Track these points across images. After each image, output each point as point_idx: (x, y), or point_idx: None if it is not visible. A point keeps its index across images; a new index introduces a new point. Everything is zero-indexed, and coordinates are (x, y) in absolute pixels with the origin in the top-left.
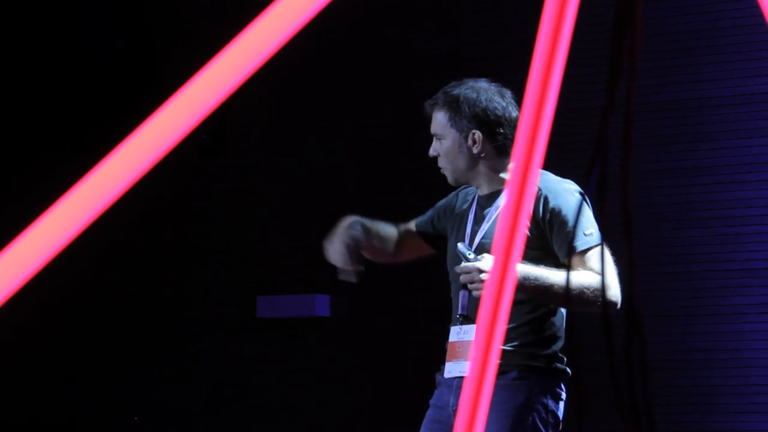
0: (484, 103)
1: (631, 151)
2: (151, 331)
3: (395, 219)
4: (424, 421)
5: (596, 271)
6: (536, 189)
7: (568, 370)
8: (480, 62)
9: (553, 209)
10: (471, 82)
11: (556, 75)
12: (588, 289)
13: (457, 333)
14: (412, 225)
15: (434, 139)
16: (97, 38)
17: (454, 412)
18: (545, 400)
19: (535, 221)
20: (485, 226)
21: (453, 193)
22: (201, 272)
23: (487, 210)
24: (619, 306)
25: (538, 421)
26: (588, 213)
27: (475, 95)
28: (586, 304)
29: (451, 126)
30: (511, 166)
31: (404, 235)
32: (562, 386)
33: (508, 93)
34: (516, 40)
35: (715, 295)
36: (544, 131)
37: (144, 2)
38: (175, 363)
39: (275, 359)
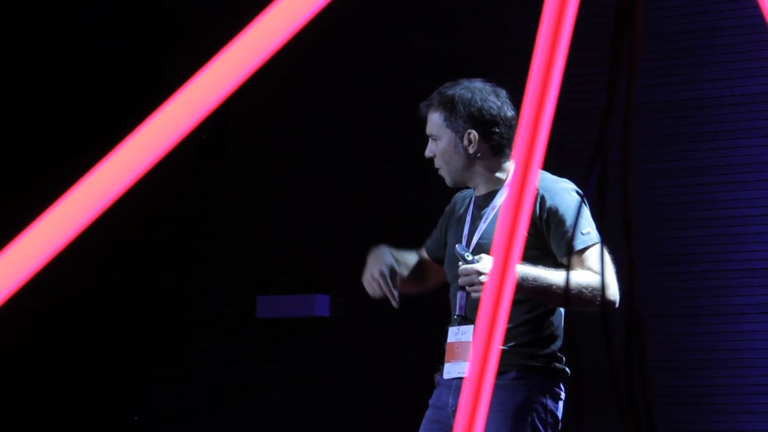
0: (480, 103)
1: (630, 151)
2: (151, 331)
3: (395, 219)
4: (424, 421)
5: (594, 270)
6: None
7: (567, 369)
8: (480, 62)
9: (550, 208)
10: (466, 83)
11: (555, 75)
12: (586, 288)
13: (455, 334)
14: (423, 251)
15: (430, 140)
16: (97, 38)
17: (453, 412)
18: (544, 400)
19: (533, 221)
20: (482, 226)
21: (451, 201)
22: (201, 272)
23: (484, 210)
24: (617, 305)
25: (537, 421)
26: (585, 212)
27: (470, 95)
28: (584, 304)
29: (447, 126)
30: (507, 165)
31: (423, 263)
32: (561, 386)
33: (503, 92)
34: (516, 40)
35: (715, 295)
36: (544, 131)
37: (144, 2)
38: (175, 363)
39: (275, 359)
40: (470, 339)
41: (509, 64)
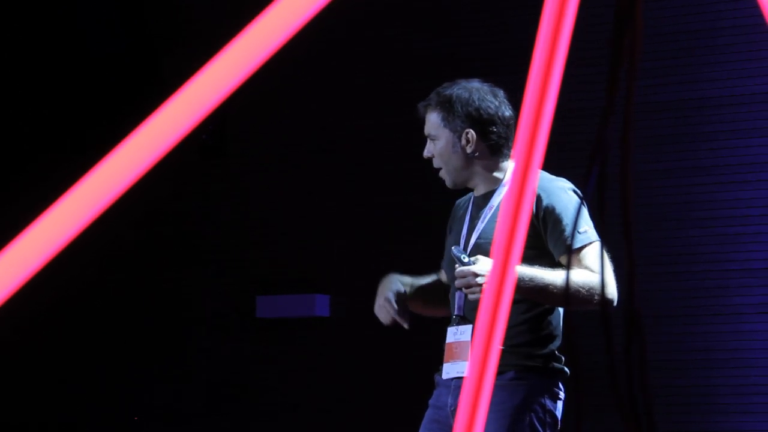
0: (477, 102)
1: (630, 151)
2: (151, 331)
3: (395, 219)
4: (423, 421)
5: (591, 269)
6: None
7: (566, 369)
8: (480, 62)
9: (546, 207)
10: (463, 83)
11: (555, 74)
12: (583, 287)
13: (454, 334)
14: (442, 273)
15: (428, 140)
16: (97, 38)
17: (453, 412)
18: (543, 400)
19: (530, 220)
20: (480, 226)
21: (452, 210)
22: (201, 272)
23: (482, 210)
24: (615, 304)
25: (535, 421)
26: (582, 211)
27: (467, 95)
28: (581, 303)
29: (445, 126)
30: (505, 165)
31: (440, 284)
32: (560, 386)
33: (500, 92)
34: (516, 40)
35: (715, 295)
36: (544, 131)
37: (144, 2)
38: (175, 363)
39: (275, 359)
40: (469, 339)
41: (509, 64)
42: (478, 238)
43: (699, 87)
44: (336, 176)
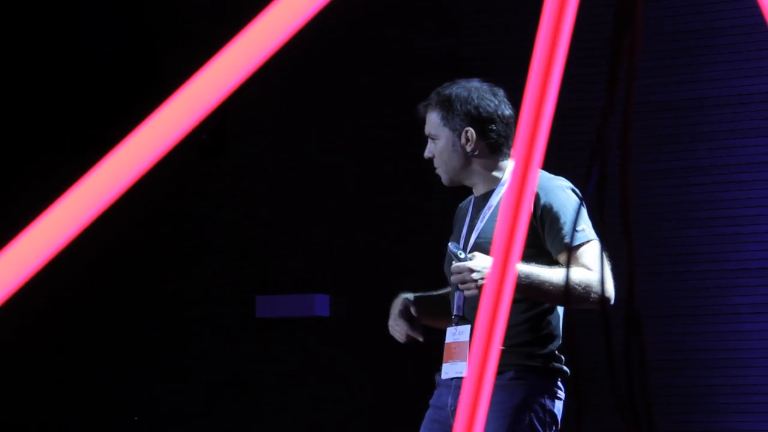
0: (476, 101)
1: (630, 150)
2: (151, 330)
3: (395, 219)
4: (424, 421)
5: (588, 267)
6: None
7: (566, 369)
8: (480, 62)
9: (544, 206)
10: (463, 82)
11: (555, 74)
12: (579, 285)
13: (453, 334)
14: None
15: (429, 140)
16: (97, 38)
17: (453, 412)
18: (543, 400)
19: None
20: (479, 226)
21: (456, 212)
22: (200, 272)
23: (481, 210)
24: (612, 302)
25: (535, 421)
26: (580, 209)
27: (466, 94)
28: (578, 301)
29: (444, 125)
30: (504, 164)
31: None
32: (560, 386)
33: (500, 92)
34: (516, 40)
35: (715, 295)
36: (543, 131)
37: (144, 2)
38: (175, 363)
39: (275, 359)
40: (467, 339)
41: (509, 64)
42: (478, 237)
43: (698, 87)
44: (336, 176)
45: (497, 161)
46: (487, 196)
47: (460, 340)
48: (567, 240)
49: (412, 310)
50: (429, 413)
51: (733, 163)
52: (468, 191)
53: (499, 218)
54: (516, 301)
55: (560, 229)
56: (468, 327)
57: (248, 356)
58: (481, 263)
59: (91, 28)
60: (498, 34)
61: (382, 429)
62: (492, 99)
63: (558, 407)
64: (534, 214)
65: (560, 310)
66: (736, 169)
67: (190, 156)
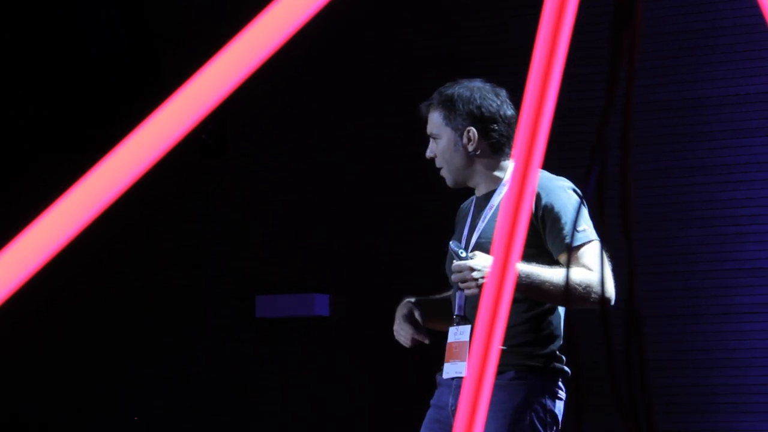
0: (479, 101)
1: (630, 150)
2: (151, 331)
3: (395, 219)
4: (425, 421)
5: (588, 267)
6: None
7: (567, 369)
8: (480, 62)
9: (545, 206)
10: (465, 82)
11: (555, 74)
12: (580, 285)
13: (454, 334)
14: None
15: (431, 140)
16: (97, 38)
17: (453, 412)
18: (543, 400)
19: (529, 219)
20: (481, 225)
21: (458, 212)
22: (200, 272)
23: (483, 210)
24: (613, 303)
25: (536, 421)
26: (582, 210)
27: (469, 93)
28: (578, 301)
29: (446, 125)
30: (506, 164)
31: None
32: (561, 386)
33: (502, 92)
34: (516, 40)
35: (715, 295)
36: (543, 130)
37: (144, 2)
38: (175, 363)
39: (275, 359)
40: (468, 339)
41: (509, 64)
42: (479, 237)
43: (699, 86)
44: (336, 176)
45: (499, 161)
46: (488, 196)
47: (461, 339)
48: (568, 240)
49: (416, 314)
50: (430, 413)
51: (734, 162)
52: (469, 191)
53: (499, 218)
54: (517, 301)
55: (561, 229)
56: (469, 327)
57: (248, 356)
58: (481, 262)
59: (91, 28)
60: (498, 34)
61: (383, 429)
62: (494, 99)
63: (559, 407)
64: (535, 214)
65: (561, 310)
66: (736, 169)
67: (190, 156)
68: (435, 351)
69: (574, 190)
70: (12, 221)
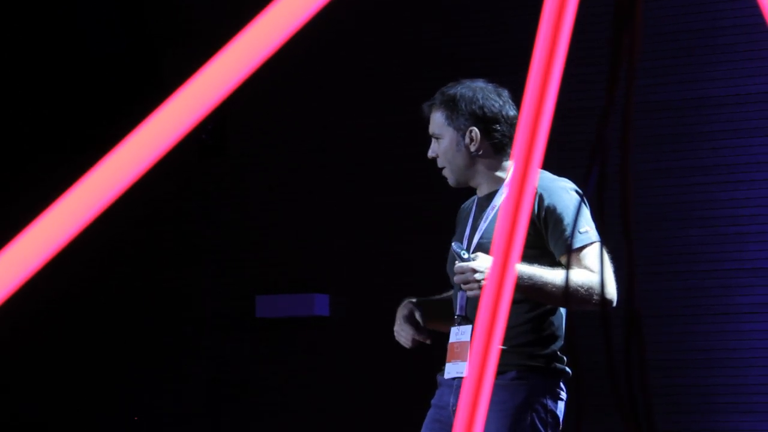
0: (481, 101)
1: (630, 150)
2: (151, 330)
3: (395, 219)
4: (425, 421)
5: (591, 269)
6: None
7: (568, 370)
8: (480, 62)
9: (548, 207)
10: (468, 82)
11: (555, 74)
12: (582, 287)
13: (456, 334)
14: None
15: (432, 140)
16: (97, 38)
17: (455, 411)
18: (544, 400)
19: (531, 219)
20: (483, 226)
21: (459, 212)
22: (200, 272)
23: (485, 210)
24: (615, 304)
25: (537, 421)
26: (584, 211)
27: (471, 93)
28: (580, 303)
29: (449, 125)
30: (508, 164)
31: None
32: (562, 386)
33: (505, 92)
34: (516, 40)
35: (715, 295)
36: (543, 130)
37: (144, 2)
38: (175, 363)
39: (274, 359)
40: (470, 339)
41: (509, 64)
42: (481, 237)
43: (699, 86)
44: (336, 176)
45: (501, 161)
46: (490, 197)
47: (463, 340)
48: (570, 242)
49: (417, 315)
50: (431, 413)
51: (734, 162)
52: (470, 191)
53: (499, 218)
54: (519, 302)
55: (563, 230)
56: (470, 327)
57: (248, 356)
58: (484, 263)
59: (91, 28)
60: (498, 34)
61: (383, 429)
62: (497, 99)
63: (560, 408)
64: (537, 216)
65: (563, 310)
66: (736, 169)
67: (190, 156)
68: (435, 351)
69: (577, 191)
70: (12, 221)
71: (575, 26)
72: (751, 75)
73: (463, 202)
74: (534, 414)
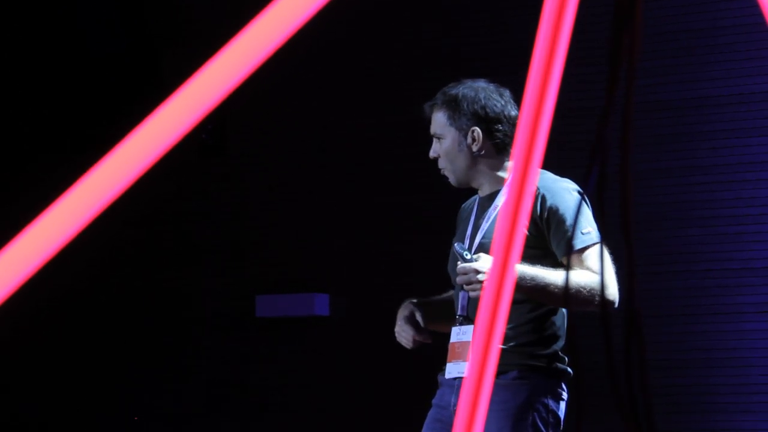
0: (483, 101)
1: (630, 150)
2: (151, 330)
3: (395, 219)
4: (426, 421)
5: (593, 270)
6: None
7: (569, 370)
8: (480, 62)
9: (550, 208)
10: (469, 82)
11: (555, 74)
12: (584, 288)
13: (457, 334)
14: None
15: (434, 140)
16: (97, 38)
17: (455, 411)
18: (546, 400)
19: (533, 220)
20: (485, 226)
21: (459, 212)
22: (200, 271)
23: (486, 210)
24: (617, 305)
25: (538, 421)
26: (586, 212)
27: (473, 93)
28: (583, 303)
29: (451, 125)
30: (510, 164)
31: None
32: (563, 386)
33: (506, 92)
34: (516, 40)
35: (715, 294)
36: (543, 130)
37: (144, 2)
38: (175, 363)
39: (274, 358)
40: (471, 339)
41: (509, 64)
42: (483, 237)
43: (699, 86)
44: (336, 176)
45: (503, 161)
46: (492, 197)
47: (464, 340)
48: (572, 242)
49: (418, 315)
50: (432, 412)
51: (734, 162)
52: (470, 191)
53: (498, 218)
54: (520, 302)
55: (566, 231)
56: (472, 327)
57: (248, 356)
58: (486, 264)
59: (91, 28)
60: (498, 34)
61: (383, 429)
62: (499, 99)
63: (561, 408)
64: (540, 216)
65: (564, 310)
66: (737, 169)
67: (190, 156)
68: (435, 351)
69: (579, 192)
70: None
71: (575, 26)
72: (751, 74)
73: (464, 202)
74: (535, 414)
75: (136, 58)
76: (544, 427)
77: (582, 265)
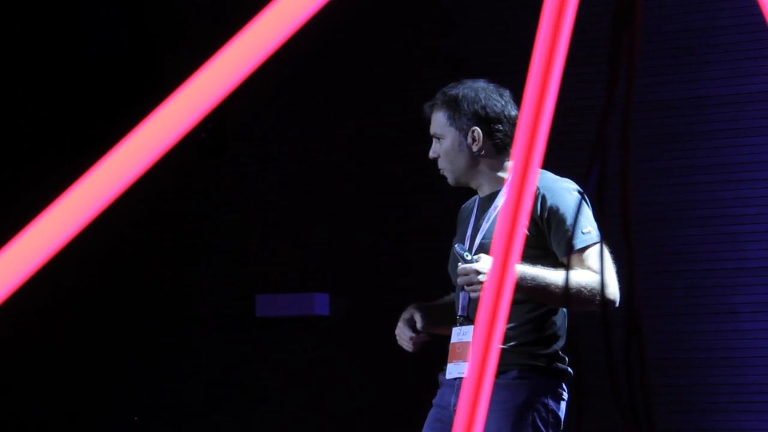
0: (483, 101)
1: (630, 149)
2: (151, 330)
3: (395, 219)
4: (427, 421)
5: (594, 269)
6: (534, 188)
7: (570, 370)
8: (480, 62)
9: (551, 207)
10: (469, 82)
11: (555, 73)
12: (585, 288)
13: (458, 334)
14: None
15: (434, 140)
16: (97, 38)
17: (455, 411)
18: (546, 400)
19: (534, 220)
20: (485, 226)
21: (458, 217)
22: (200, 271)
23: (487, 210)
24: (617, 304)
25: (538, 421)
26: (586, 211)
27: (473, 93)
28: (583, 303)
29: (451, 125)
30: (510, 164)
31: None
32: (564, 386)
33: (506, 92)
34: (516, 39)
35: (715, 294)
36: (543, 130)
37: (144, 2)
38: (175, 362)
39: (274, 358)
40: (471, 339)
41: (509, 63)
42: (483, 238)
43: (699, 86)
44: (336, 176)
45: (503, 161)
46: (492, 197)
47: (464, 340)
48: (572, 242)
49: (417, 317)
50: (432, 412)
51: (734, 162)
52: (470, 191)
53: (498, 218)
54: (521, 302)
55: (566, 231)
56: (472, 327)
57: (248, 356)
58: (487, 265)
59: (91, 28)
60: (498, 34)
61: (383, 429)
62: (499, 99)
63: (561, 408)
64: (540, 216)
65: (565, 310)
66: (737, 168)
67: (190, 156)
68: (435, 351)
69: (579, 192)
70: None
71: (575, 26)
72: (752, 74)
73: (464, 202)
74: (535, 413)
75: (136, 58)
76: (544, 427)
77: (582, 264)
